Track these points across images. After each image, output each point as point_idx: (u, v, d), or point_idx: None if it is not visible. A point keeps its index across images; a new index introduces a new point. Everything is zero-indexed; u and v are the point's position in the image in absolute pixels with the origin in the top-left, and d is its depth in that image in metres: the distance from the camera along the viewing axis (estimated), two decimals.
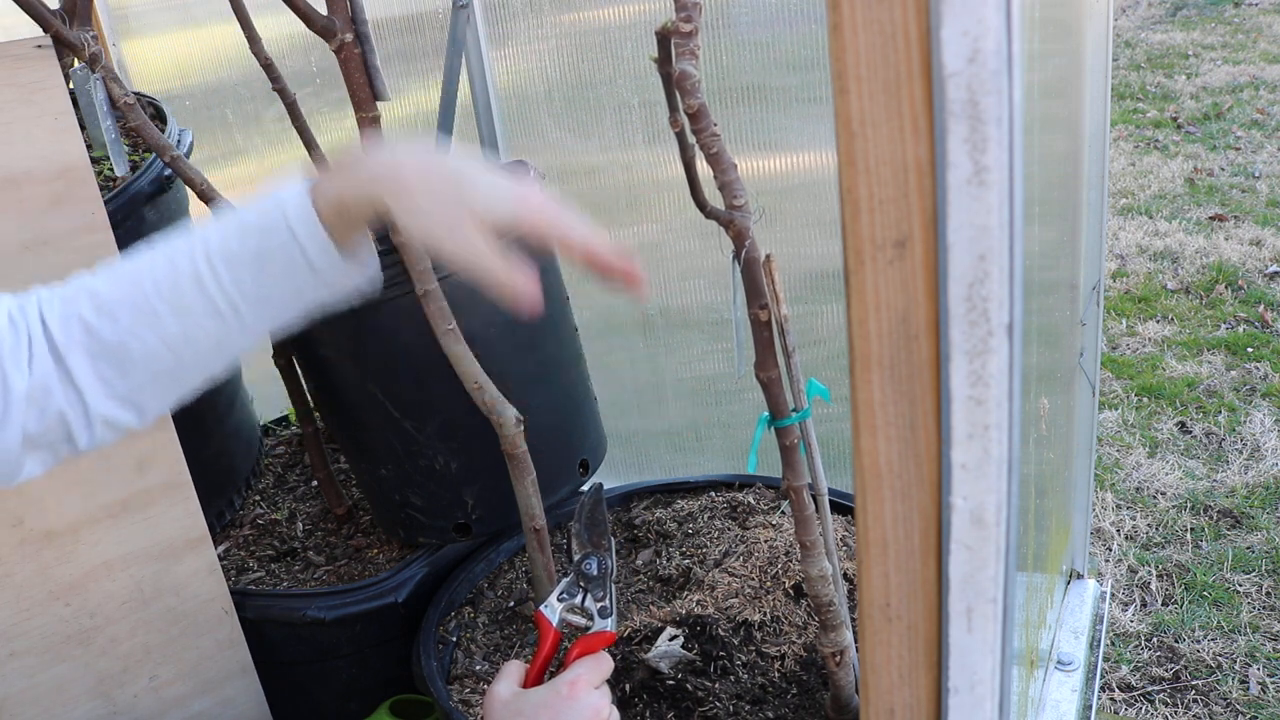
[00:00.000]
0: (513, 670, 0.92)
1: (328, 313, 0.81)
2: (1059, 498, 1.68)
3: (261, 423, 1.96)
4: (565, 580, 0.99)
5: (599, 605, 0.97)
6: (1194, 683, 1.89)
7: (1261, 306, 3.17)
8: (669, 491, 1.60)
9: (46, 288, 0.78)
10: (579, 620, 0.97)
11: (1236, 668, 1.91)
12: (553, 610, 0.97)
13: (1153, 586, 2.13)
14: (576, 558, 0.99)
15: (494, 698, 0.89)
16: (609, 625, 0.96)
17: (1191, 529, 2.28)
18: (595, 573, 0.98)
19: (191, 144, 1.57)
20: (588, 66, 1.72)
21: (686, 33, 0.82)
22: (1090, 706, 1.58)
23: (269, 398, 1.96)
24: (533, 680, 0.93)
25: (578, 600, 0.98)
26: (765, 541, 1.38)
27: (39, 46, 1.16)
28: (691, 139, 0.86)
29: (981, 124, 0.50)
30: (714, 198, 0.91)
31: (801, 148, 1.63)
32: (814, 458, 1.06)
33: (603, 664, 0.91)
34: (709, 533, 1.45)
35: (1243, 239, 3.61)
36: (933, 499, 0.58)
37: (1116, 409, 2.76)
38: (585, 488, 1.05)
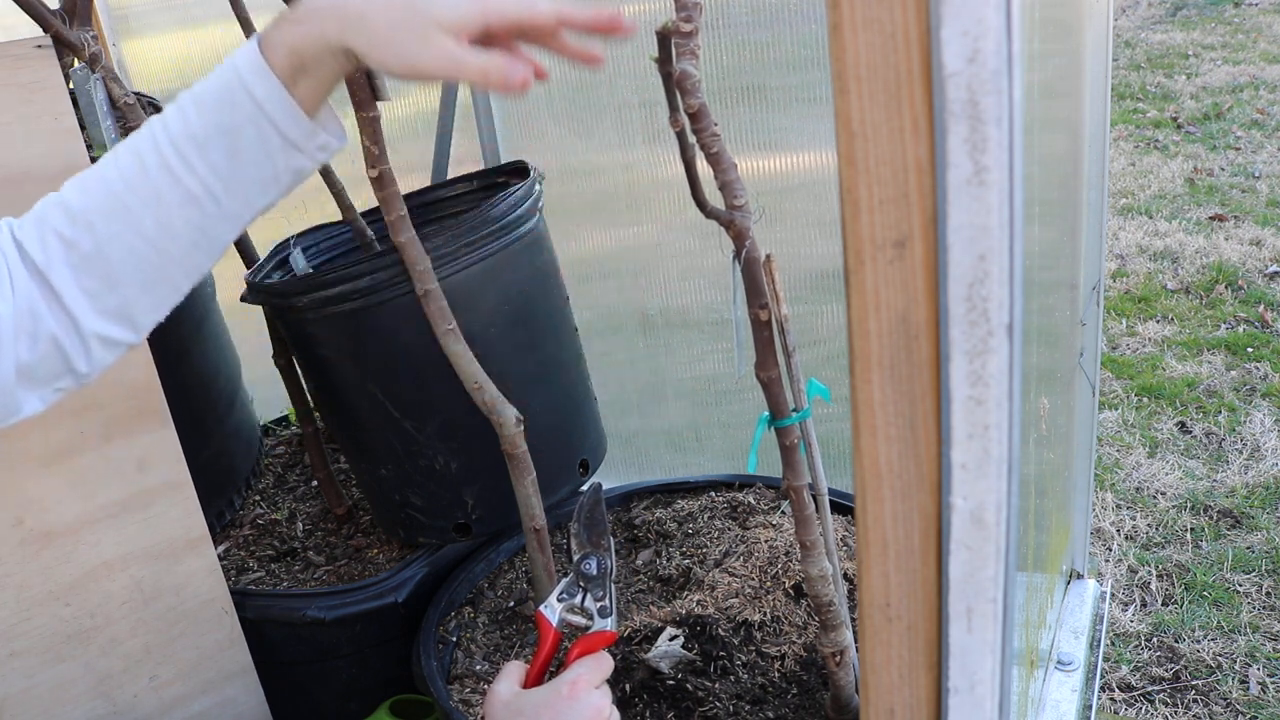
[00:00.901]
0: (513, 670, 0.92)
1: (302, 180, 0.78)
2: (1059, 498, 1.68)
3: (261, 423, 1.96)
4: (565, 580, 0.98)
5: (599, 605, 0.96)
6: (1194, 683, 1.89)
7: (1261, 306, 3.17)
8: (669, 491, 1.60)
9: (15, 217, 0.76)
10: (579, 620, 0.96)
11: (1236, 668, 1.91)
12: (552, 610, 0.97)
13: (1153, 586, 2.13)
14: (576, 558, 0.99)
15: (494, 698, 0.89)
16: (609, 625, 0.96)
17: (1191, 529, 2.28)
18: (595, 572, 0.98)
19: None
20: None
21: (686, 33, 0.82)
22: (1090, 706, 1.58)
23: (269, 398, 1.96)
24: (533, 680, 0.92)
25: (578, 600, 0.97)
26: (765, 541, 1.38)
27: (39, 46, 1.16)
28: (692, 139, 0.86)
29: (981, 124, 0.50)
30: (714, 198, 0.92)
31: (801, 148, 1.63)
32: (814, 458, 1.06)
33: (603, 664, 0.91)
34: (709, 533, 1.45)
35: (1243, 239, 3.61)
36: (933, 499, 0.58)
37: (1116, 409, 2.76)
38: (585, 488, 1.05)
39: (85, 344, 0.75)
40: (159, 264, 0.75)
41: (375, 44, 0.71)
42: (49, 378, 0.75)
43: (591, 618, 0.96)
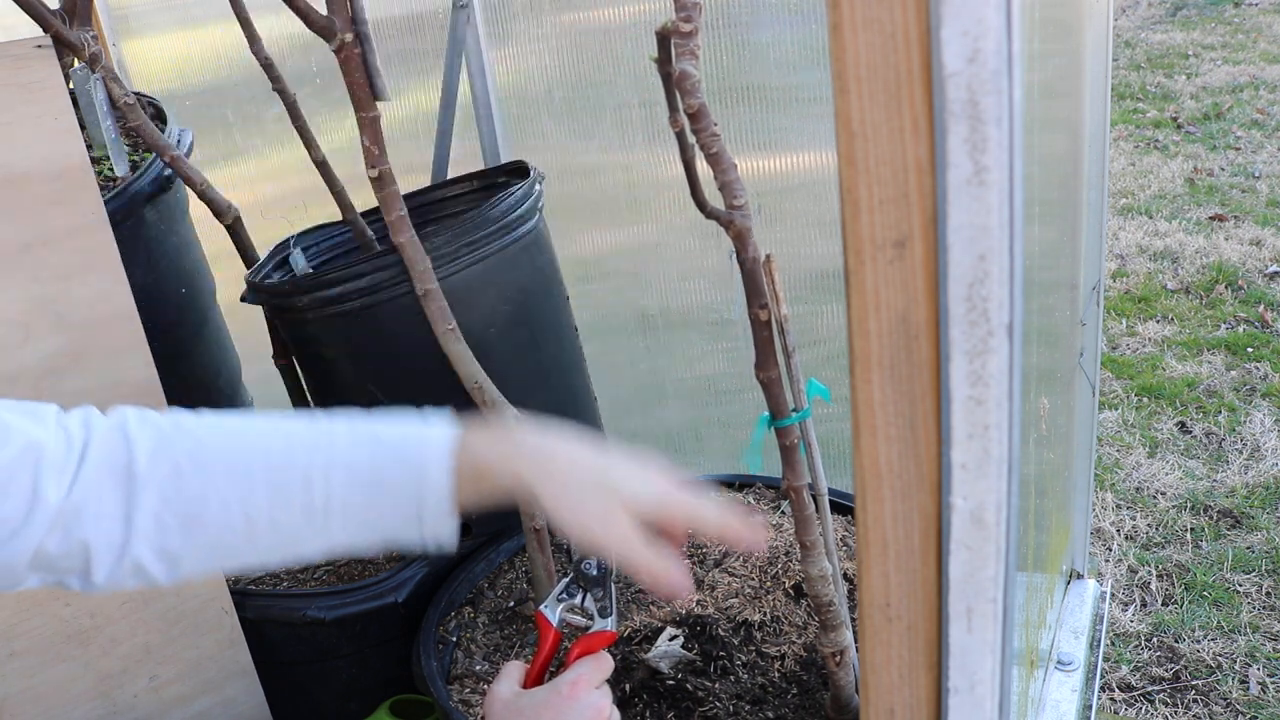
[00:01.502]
0: (513, 670, 0.91)
1: (392, 550, 0.79)
2: (1059, 498, 1.68)
3: None
4: (565, 580, 0.98)
5: (599, 605, 0.96)
6: (1194, 683, 1.89)
7: (1261, 306, 3.17)
8: None
9: (137, 411, 0.74)
10: (579, 620, 0.96)
11: (1236, 668, 1.91)
12: (552, 610, 0.97)
13: (1153, 586, 2.13)
14: (576, 558, 0.99)
15: (494, 698, 0.88)
16: (609, 625, 0.95)
17: (1191, 529, 2.28)
18: (595, 573, 0.98)
19: (191, 144, 1.57)
20: (588, 66, 1.72)
21: (686, 33, 0.82)
22: (1090, 706, 1.58)
23: (269, 398, 1.95)
24: (533, 680, 0.92)
25: (578, 600, 0.97)
26: (765, 541, 1.38)
27: (39, 46, 1.16)
28: (691, 139, 0.86)
29: (981, 124, 0.50)
30: (714, 198, 0.91)
31: (801, 148, 1.63)
32: (814, 458, 1.06)
33: (603, 664, 0.90)
34: None
35: (1243, 239, 3.61)
36: (933, 499, 0.58)
37: (1116, 409, 2.76)
38: None
39: (119, 563, 0.72)
40: (239, 543, 0.75)
41: (560, 503, 0.76)
42: (61, 571, 0.73)
43: (592, 618, 0.96)
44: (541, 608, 0.97)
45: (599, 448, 0.79)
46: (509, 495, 0.77)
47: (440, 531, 0.77)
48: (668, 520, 0.79)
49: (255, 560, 0.77)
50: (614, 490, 0.76)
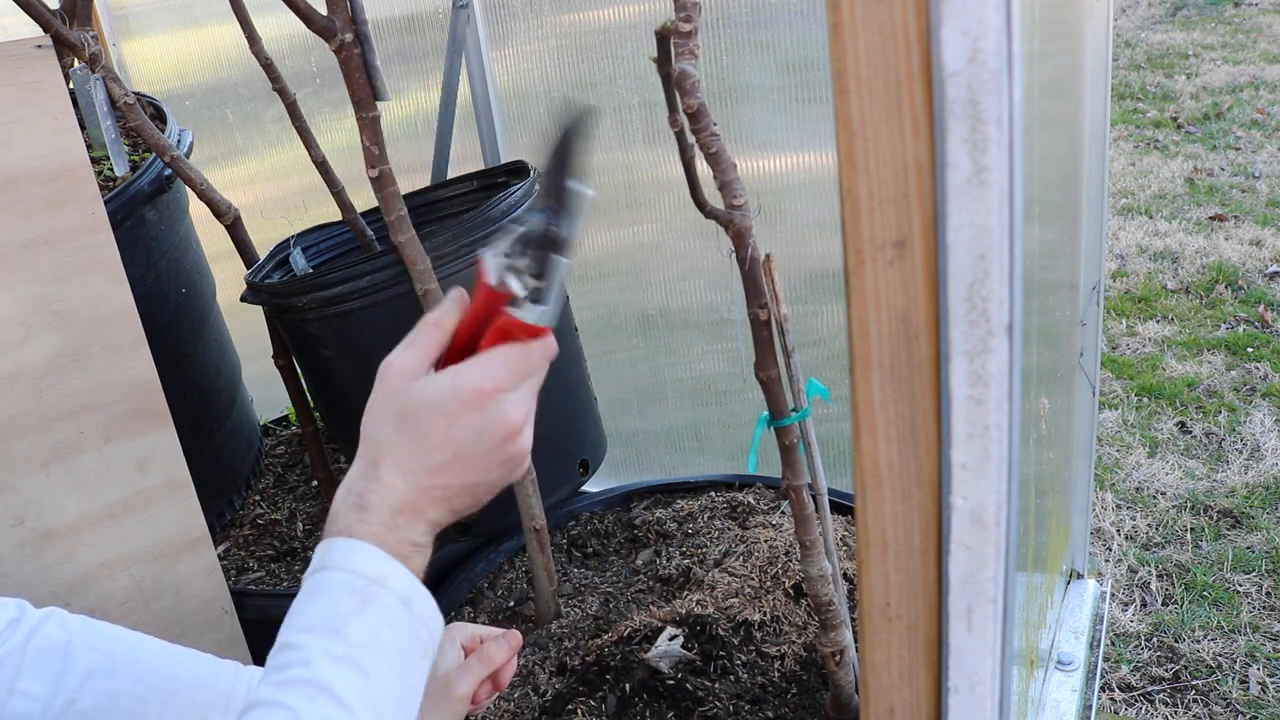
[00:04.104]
0: (428, 337, 0.72)
1: None
2: (1059, 498, 1.68)
3: (261, 423, 1.96)
4: (519, 232, 0.69)
5: (534, 285, 0.68)
6: (1194, 683, 1.89)
7: (1261, 306, 3.17)
8: (669, 491, 1.60)
9: (64, 613, 0.85)
10: (516, 288, 0.68)
11: (1236, 668, 1.91)
12: (494, 264, 0.68)
13: (1153, 586, 2.13)
14: (530, 204, 0.72)
15: (390, 370, 0.72)
16: (543, 317, 0.69)
17: (1191, 529, 2.28)
18: (538, 233, 0.68)
19: (191, 144, 1.57)
20: (588, 66, 1.72)
21: (686, 33, 0.82)
22: (1090, 706, 1.57)
23: (269, 398, 1.96)
24: (454, 351, 0.72)
25: (523, 264, 0.68)
26: (765, 541, 1.38)
27: (39, 46, 1.16)
28: (691, 139, 0.86)
29: (981, 124, 0.50)
30: (714, 197, 0.91)
31: (801, 148, 1.63)
32: (814, 458, 1.06)
33: (528, 361, 0.70)
34: (709, 533, 1.45)
35: (1243, 239, 3.61)
36: (933, 499, 0.58)
37: (1116, 409, 2.76)
38: (565, 121, 0.72)
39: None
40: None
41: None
42: None
43: (524, 296, 0.69)
44: (485, 251, 0.69)
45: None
46: None
47: None
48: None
49: None
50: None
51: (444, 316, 0.73)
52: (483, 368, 0.69)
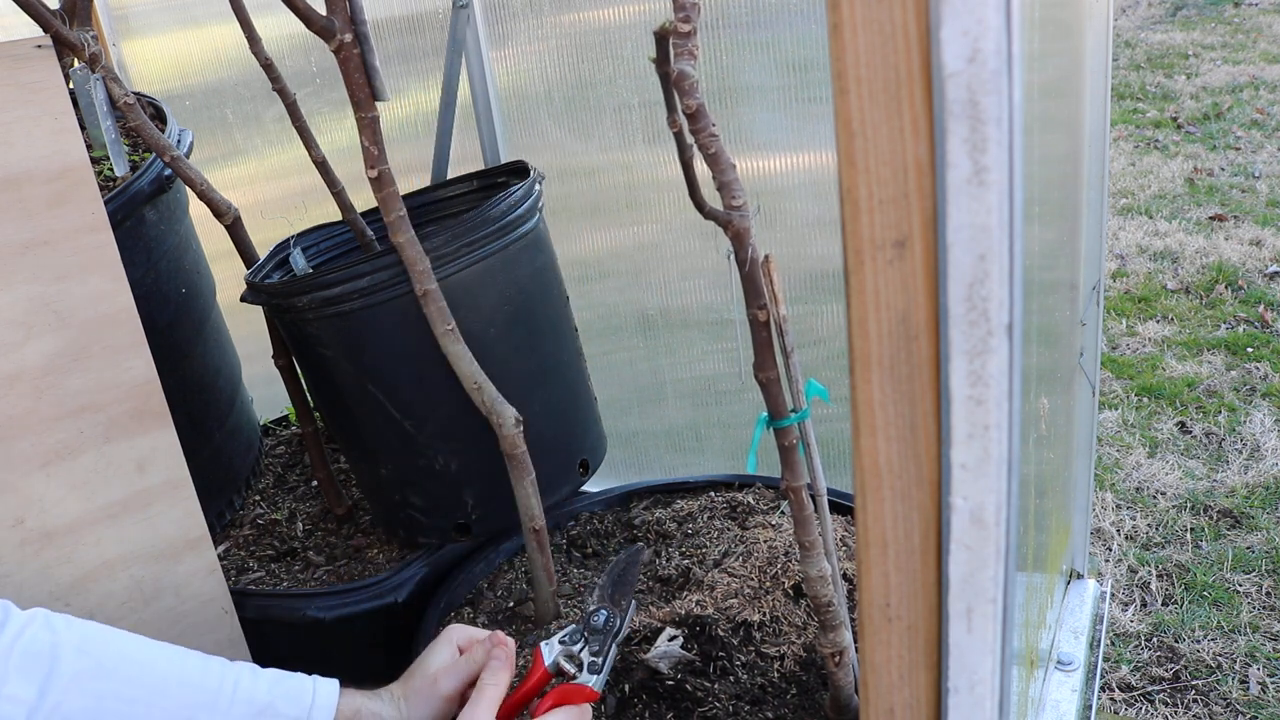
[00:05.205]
0: (489, 694, 0.94)
1: None
2: (1059, 498, 1.68)
3: (261, 423, 1.96)
4: (572, 626, 0.99)
5: (592, 659, 0.97)
6: (1194, 683, 1.89)
7: (1261, 306, 3.17)
8: (669, 491, 1.60)
9: (50, 614, 0.87)
10: (569, 667, 0.97)
11: (1236, 668, 1.91)
12: (550, 649, 0.98)
13: (1153, 586, 2.13)
14: (591, 607, 1.00)
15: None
16: (595, 684, 0.96)
17: (1191, 529, 2.28)
18: (601, 626, 0.99)
19: (191, 144, 1.57)
20: (588, 66, 1.72)
21: (685, 33, 0.82)
22: (1090, 706, 1.57)
23: (269, 398, 1.96)
24: (508, 710, 0.94)
25: (576, 649, 0.98)
26: (765, 541, 1.38)
27: (39, 46, 1.16)
28: (690, 139, 0.86)
29: (981, 124, 0.50)
30: (713, 198, 0.91)
31: (801, 148, 1.63)
32: (813, 458, 1.06)
33: (582, 719, 0.92)
34: (709, 533, 1.45)
35: (1243, 239, 3.61)
36: (933, 499, 0.58)
37: (1116, 409, 2.76)
38: (626, 550, 1.12)
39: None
40: None
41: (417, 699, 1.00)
42: None
43: (581, 669, 0.97)
44: (541, 643, 0.99)
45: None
46: None
47: None
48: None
49: None
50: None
51: (496, 676, 0.97)
52: (553, 716, 0.92)
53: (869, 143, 0.53)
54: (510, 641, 1.01)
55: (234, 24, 1.43)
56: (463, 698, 0.97)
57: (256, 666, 0.95)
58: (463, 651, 1.02)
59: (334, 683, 0.96)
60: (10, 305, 1.17)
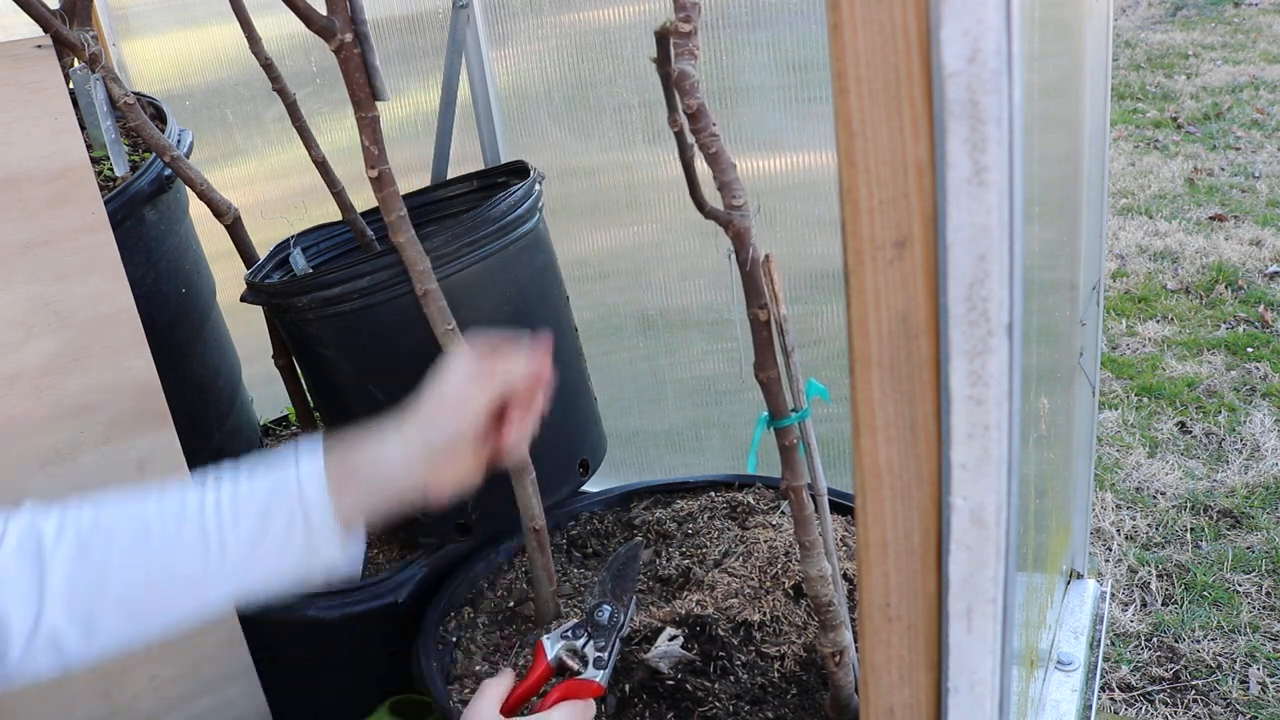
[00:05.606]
0: (493, 690, 0.92)
1: (295, 590, 0.83)
2: (1059, 498, 1.68)
3: (261, 423, 1.96)
4: (574, 621, 0.99)
5: (597, 655, 0.96)
6: (1194, 683, 1.89)
7: (1261, 306, 3.17)
8: (669, 491, 1.60)
9: (41, 505, 0.80)
10: (572, 663, 0.96)
11: (1236, 668, 1.91)
12: (552, 644, 0.98)
13: (1153, 586, 2.13)
14: (593, 602, 1.00)
15: (475, 715, 0.89)
16: (600, 679, 0.95)
17: (1191, 529, 2.28)
18: (605, 622, 0.98)
19: (191, 144, 1.57)
20: (588, 66, 1.72)
21: (685, 33, 0.82)
22: (1090, 706, 1.57)
23: (269, 398, 1.96)
24: (512, 705, 0.93)
25: (579, 644, 0.97)
26: (765, 541, 1.38)
27: (39, 46, 1.16)
28: (691, 139, 0.86)
29: (981, 124, 0.50)
30: (713, 198, 0.91)
31: (801, 148, 1.63)
32: (813, 458, 1.06)
33: (587, 714, 0.91)
34: (709, 533, 1.45)
35: (1243, 239, 3.61)
36: (933, 499, 0.58)
37: (1116, 409, 2.76)
38: (626, 544, 1.10)
39: (34, 636, 0.75)
40: (146, 594, 0.78)
41: (428, 454, 0.86)
42: None
43: (586, 664, 0.96)
44: (543, 638, 0.98)
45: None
46: (388, 489, 0.82)
47: (331, 553, 0.80)
48: (502, 399, 0.85)
49: (168, 617, 0.80)
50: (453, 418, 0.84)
51: (502, 677, 0.94)
52: (557, 711, 0.90)
53: (869, 143, 0.53)
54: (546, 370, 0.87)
55: (234, 24, 1.43)
56: (496, 413, 0.85)
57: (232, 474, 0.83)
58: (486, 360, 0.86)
59: (315, 458, 0.82)
60: (10, 305, 1.17)
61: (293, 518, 0.78)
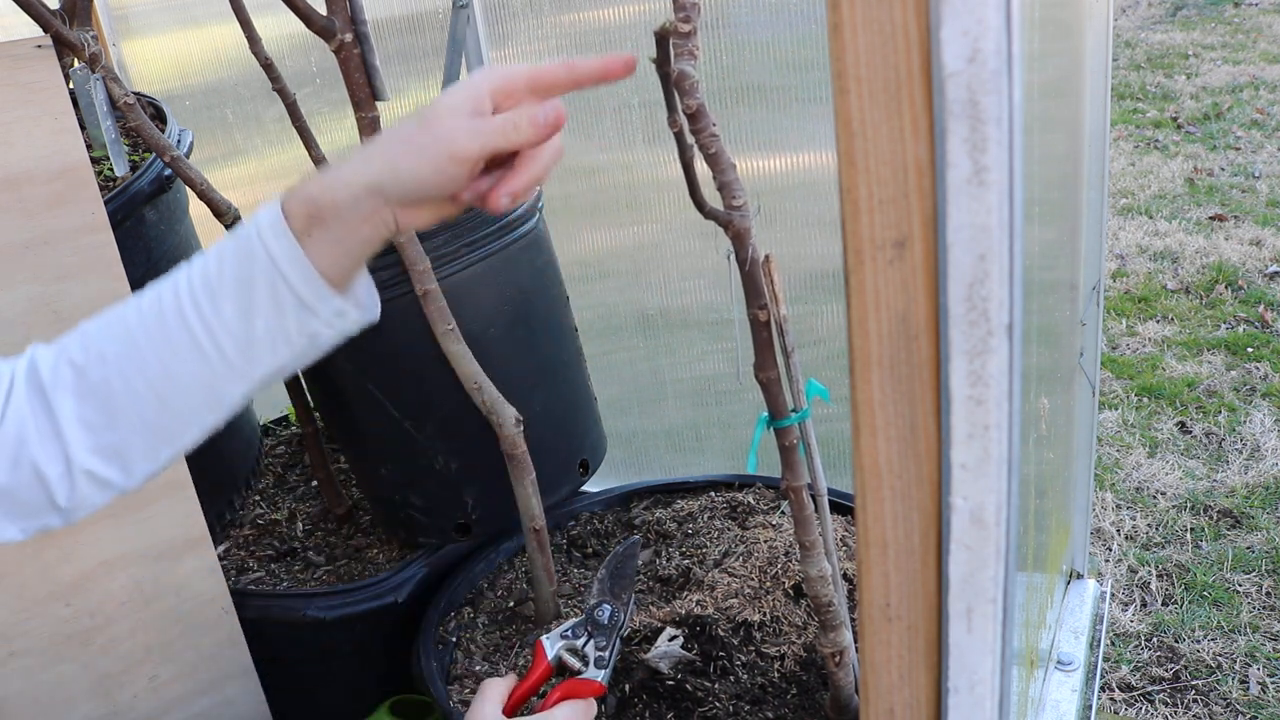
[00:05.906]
0: (493, 690, 0.92)
1: (327, 350, 0.75)
2: (1059, 498, 1.68)
3: (261, 423, 1.96)
4: (574, 620, 0.98)
5: (598, 654, 0.96)
6: (1194, 683, 1.89)
7: (1261, 306, 3.17)
8: (669, 491, 1.60)
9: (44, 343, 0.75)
10: (573, 662, 0.96)
11: (1236, 668, 1.91)
12: (552, 643, 0.97)
13: (1153, 586, 2.13)
14: (592, 601, 0.99)
15: (476, 716, 0.89)
16: (600, 678, 0.95)
17: (1191, 529, 2.28)
18: (605, 621, 0.98)
19: (191, 144, 1.57)
20: None
21: (685, 33, 0.82)
22: (1090, 706, 1.57)
23: (269, 398, 1.96)
24: (513, 705, 0.93)
25: (579, 643, 0.97)
26: (765, 541, 1.38)
27: (39, 46, 1.16)
28: (690, 139, 0.86)
29: (981, 124, 0.50)
30: (713, 198, 0.91)
31: (801, 148, 1.63)
32: (813, 458, 1.06)
33: (589, 714, 0.91)
34: (709, 533, 1.45)
35: (1243, 239, 3.61)
36: (933, 499, 0.58)
37: (1116, 409, 2.76)
38: (624, 542, 1.08)
39: (72, 477, 0.72)
40: (159, 410, 0.73)
41: (407, 161, 0.71)
42: (30, 509, 0.73)
43: (586, 664, 0.96)
44: (543, 637, 0.98)
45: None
46: (361, 218, 0.71)
47: (324, 301, 0.71)
48: (516, 86, 0.74)
49: (191, 421, 0.74)
50: (458, 103, 0.70)
51: (502, 677, 0.95)
52: (559, 710, 0.90)
53: (869, 142, 0.53)
54: (561, 114, 0.75)
55: (234, 24, 1.43)
56: (489, 166, 0.73)
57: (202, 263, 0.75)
58: (496, 110, 0.73)
59: (272, 206, 0.72)
60: (10, 305, 1.17)
61: (272, 281, 0.70)
